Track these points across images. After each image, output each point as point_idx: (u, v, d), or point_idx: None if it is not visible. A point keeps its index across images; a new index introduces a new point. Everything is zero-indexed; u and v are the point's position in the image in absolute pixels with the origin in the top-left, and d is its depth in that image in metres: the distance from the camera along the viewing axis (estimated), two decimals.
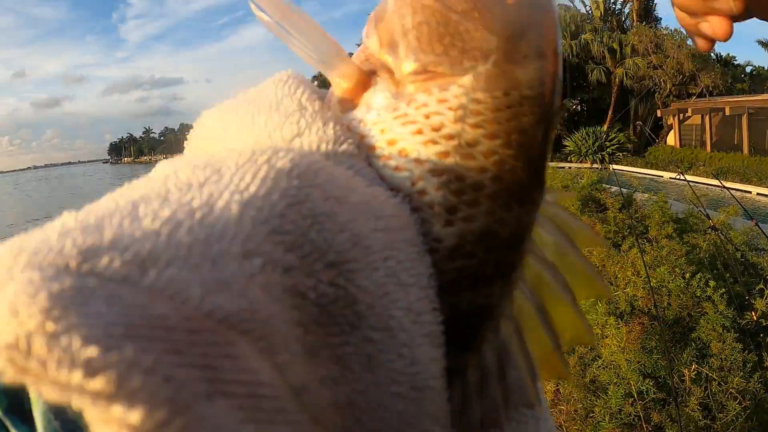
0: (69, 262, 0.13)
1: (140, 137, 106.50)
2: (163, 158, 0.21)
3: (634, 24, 28.91)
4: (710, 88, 25.15)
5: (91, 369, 0.11)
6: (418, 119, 0.22)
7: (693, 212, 3.49)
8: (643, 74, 24.71)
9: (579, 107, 30.90)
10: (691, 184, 3.78)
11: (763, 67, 38.57)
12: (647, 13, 30.53)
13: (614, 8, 31.47)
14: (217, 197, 0.17)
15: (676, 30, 25.60)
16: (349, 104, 0.24)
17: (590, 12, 30.99)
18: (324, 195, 0.19)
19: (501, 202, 0.21)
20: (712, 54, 31.00)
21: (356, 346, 0.18)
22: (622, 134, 25.26)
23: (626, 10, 31.18)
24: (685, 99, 25.14)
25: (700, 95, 25.18)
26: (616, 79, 26.30)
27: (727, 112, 22.29)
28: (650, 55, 24.36)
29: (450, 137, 0.21)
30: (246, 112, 0.23)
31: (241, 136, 0.23)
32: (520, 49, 0.22)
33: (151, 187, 0.17)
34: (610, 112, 27.47)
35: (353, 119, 0.23)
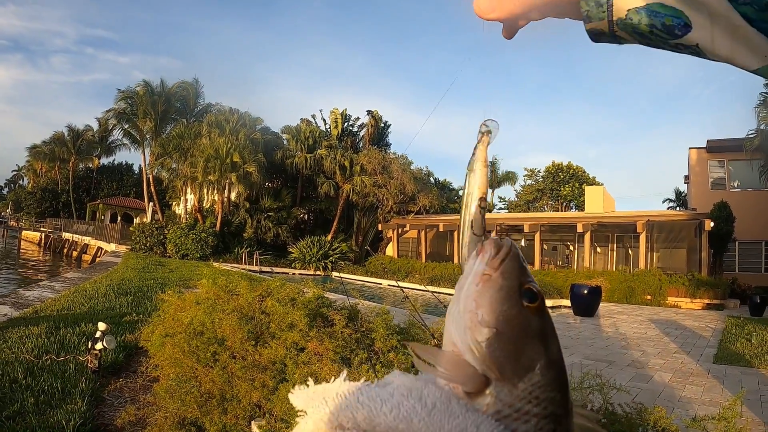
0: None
1: None
2: None
3: (367, 146, 31.97)
4: (427, 207, 28.73)
5: None
6: (527, 406, 0.35)
7: (414, 322, 3.57)
8: (369, 191, 26.72)
9: (306, 216, 31.93)
10: (406, 290, 3.78)
11: None
12: (380, 138, 34.43)
13: (351, 130, 34.66)
14: None
15: (402, 155, 29.35)
16: (475, 396, 0.36)
17: (329, 130, 33.38)
18: None
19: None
20: (431, 179, 36.43)
21: None
22: (345, 244, 26.72)
23: (361, 133, 34.59)
24: (404, 215, 28.11)
25: (418, 213, 28.57)
26: (344, 194, 27.91)
27: (441, 229, 25.55)
28: (377, 175, 26.63)
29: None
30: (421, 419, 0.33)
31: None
32: None
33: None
34: (335, 223, 28.94)
35: (485, 405, 0.35)
